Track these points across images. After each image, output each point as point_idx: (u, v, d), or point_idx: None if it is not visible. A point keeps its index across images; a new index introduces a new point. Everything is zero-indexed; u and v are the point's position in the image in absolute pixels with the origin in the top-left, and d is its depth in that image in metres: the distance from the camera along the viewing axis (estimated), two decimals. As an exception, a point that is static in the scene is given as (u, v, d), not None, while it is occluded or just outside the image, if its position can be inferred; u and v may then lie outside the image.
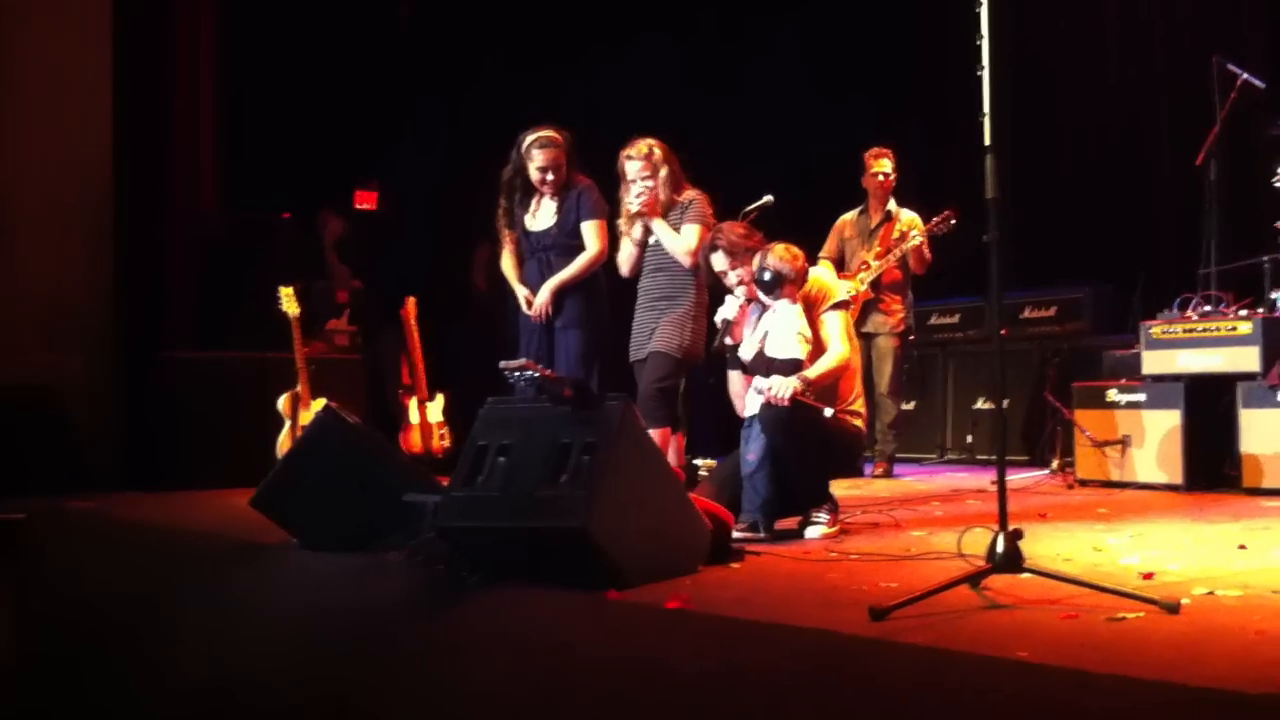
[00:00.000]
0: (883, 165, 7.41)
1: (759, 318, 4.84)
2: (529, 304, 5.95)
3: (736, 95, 9.57)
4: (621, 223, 5.90)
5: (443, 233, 9.13)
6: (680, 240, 5.71)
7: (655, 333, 5.72)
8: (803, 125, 9.38)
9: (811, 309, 4.78)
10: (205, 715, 3.55)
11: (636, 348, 5.82)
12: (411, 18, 9.47)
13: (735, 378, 4.94)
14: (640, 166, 5.73)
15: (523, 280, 6.04)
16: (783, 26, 9.70)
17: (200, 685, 3.68)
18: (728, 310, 4.85)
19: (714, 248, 4.94)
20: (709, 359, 5.45)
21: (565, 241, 5.96)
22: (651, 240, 5.81)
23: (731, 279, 4.88)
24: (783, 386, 4.52)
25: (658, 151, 5.76)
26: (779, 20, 9.67)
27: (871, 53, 9.34)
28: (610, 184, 5.92)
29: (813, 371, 4.62)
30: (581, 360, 5.83)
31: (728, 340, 4.87)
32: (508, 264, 6.12)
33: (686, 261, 5.67)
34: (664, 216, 5.74)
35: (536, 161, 5.91)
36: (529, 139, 5.93)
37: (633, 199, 5.75)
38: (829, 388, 4.71)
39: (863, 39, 9.40)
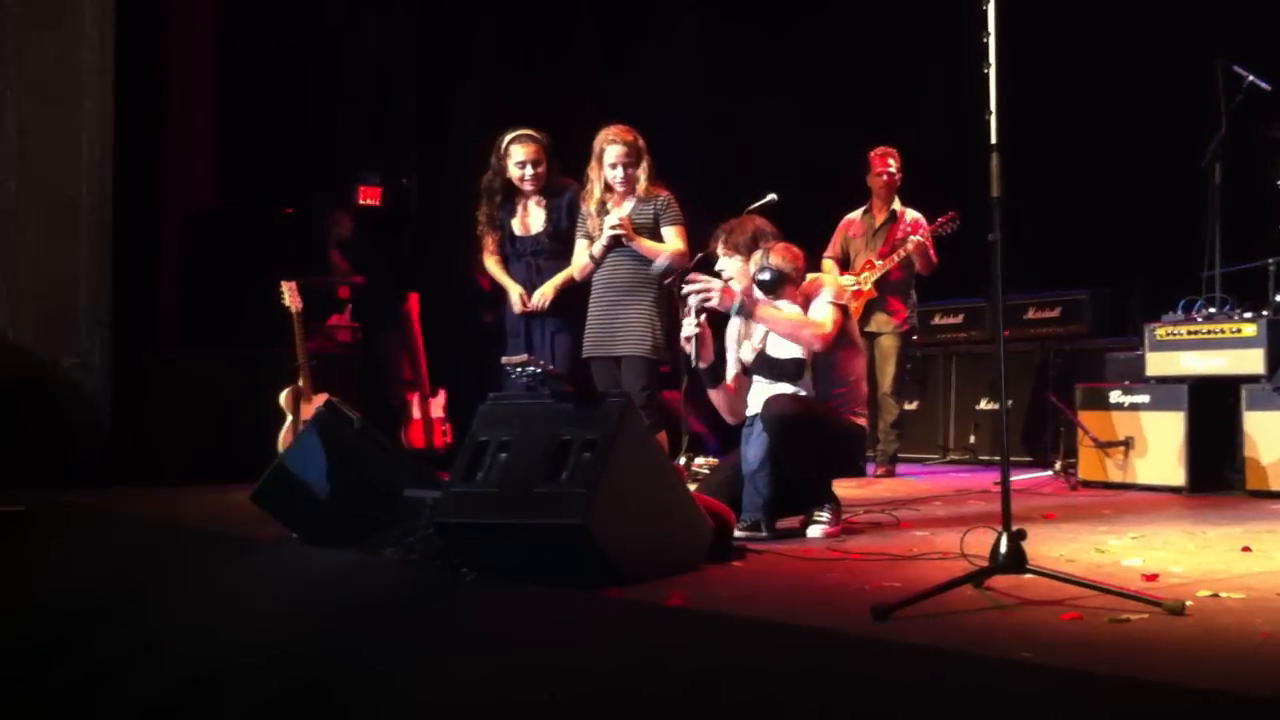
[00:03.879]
0: (888, 164, 7.40)
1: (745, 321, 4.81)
2: (523, 301, 5.97)
3: (742, 91, 9.55)
4: (581, 242, 5.86)
5: (446, 229, 9.11)
6: (668, 248, 5.68)
7: (622, 333, 5.70)
8: (807, 122, 9.36)
9: (806, 303, 4.76)
10: (191, 703, 3.54)
11: (595, 344, 5.78)
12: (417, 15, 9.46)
13: (716, 395, 4.87)
14: (624, 151, 5.70)
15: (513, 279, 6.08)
16: (794, 23, 9.68)
17: (187, 673, 3.67)
18: (689, 329, 4.68)
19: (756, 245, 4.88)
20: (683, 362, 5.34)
21: (555, 246, 5.99)
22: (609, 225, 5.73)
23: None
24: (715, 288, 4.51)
25: (640, 140, 5.76)
26: (789, 17, 9.65)
27: (878, 50, 9.32)
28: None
29: (762, 302, 4.58)
30: (574, 363, 5.84)
31: (701, 365, 4.74)
32: (493, 265, 6.13)
33: (681, 263, 5.65)
34: (633, 206, 5.75)
35: (516, 157, 5.95)
36: (508, 138, 6.01)
37: (610, 222, 5.68)
38: (831, 381, 4.70)
39: (871, 35, 9.37)
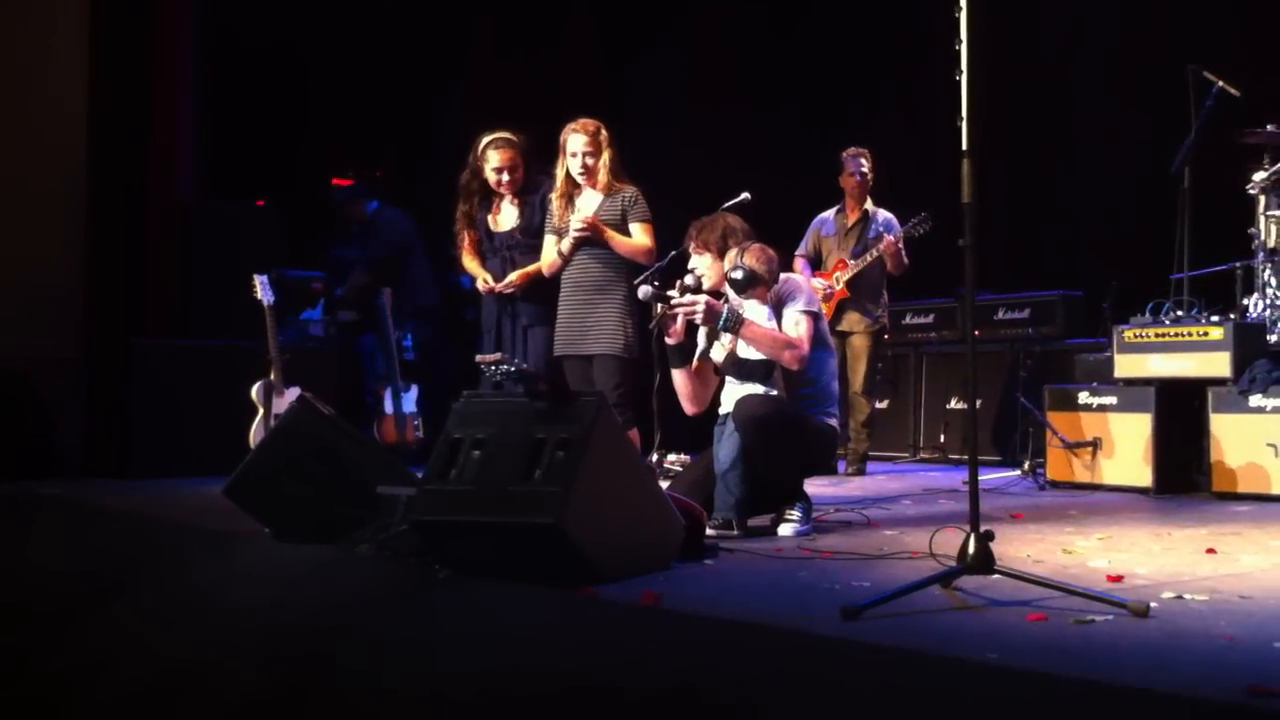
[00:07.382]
0: (860, 165, 7.43)
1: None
2: (489, 285, 6.00)
3: (721, 92, 9.57)
4: (550, 239, 5.88)
5: (423, 224, 9.09)
6: (634, 243, 5.71)
7: (593, 331, 5.70)
8: (782, 121, 9.39)
9: (779, 305, 4.79)
10: (166, 701, 3.54)
11: (566, 342, 5.78)
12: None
13: (679, 376, 4.92)
14: (585, 141, 5.70)
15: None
16: (769, 23, 9.71)
17: (162, 670, 3.67)
18: (642, 292, 4.78)
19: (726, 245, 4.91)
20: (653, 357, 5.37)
21: (530, 242, 6.02)
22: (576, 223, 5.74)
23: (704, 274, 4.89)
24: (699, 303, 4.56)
25: (604, 133, 5.76)
26: (767, 17, 9.68)
27: (855, 51, 9.36)
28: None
29: (750, 321, 4.61)
30: (548, 359, 5.85)
31: (670, 340, 4.77)
32: (469, 260, 6.18)
33: (648, 260, 5.65)
34: (600, 202, 5.76)
35: (492, 162, 5.98)
36: (484, 141, 6.03)
37: (575, 223, 5.69)
38: (802, 381, 4.73)
39: (847, 37, 9.41)
